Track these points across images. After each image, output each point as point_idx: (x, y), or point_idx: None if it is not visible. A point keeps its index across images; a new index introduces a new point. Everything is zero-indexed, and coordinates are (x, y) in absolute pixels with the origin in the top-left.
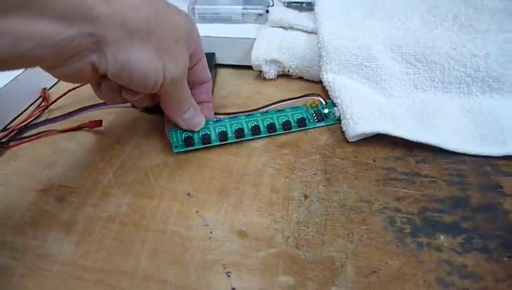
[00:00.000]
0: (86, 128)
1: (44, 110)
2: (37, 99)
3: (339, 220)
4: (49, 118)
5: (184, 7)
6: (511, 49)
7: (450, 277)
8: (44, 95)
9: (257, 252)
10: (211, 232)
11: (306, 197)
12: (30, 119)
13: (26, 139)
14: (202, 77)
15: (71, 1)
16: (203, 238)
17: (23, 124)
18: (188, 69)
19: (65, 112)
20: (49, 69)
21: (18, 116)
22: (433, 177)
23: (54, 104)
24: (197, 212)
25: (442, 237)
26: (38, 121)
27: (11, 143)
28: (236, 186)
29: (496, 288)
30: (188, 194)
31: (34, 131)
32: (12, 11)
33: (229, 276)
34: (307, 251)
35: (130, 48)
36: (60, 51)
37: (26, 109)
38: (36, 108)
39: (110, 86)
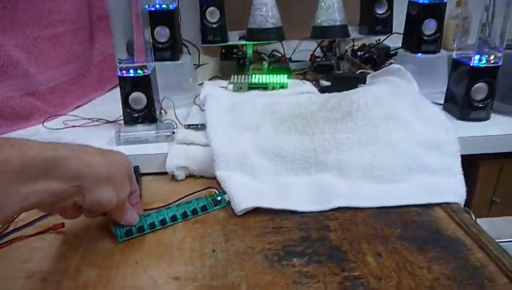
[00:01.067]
0: (51, 231)
1: (10, 223)
2: None
3: (235, 261)
4: (17, 227)
5: (112, 133)
6: (327, 145)
7: (300, 279)
8: None
9: (187, 287)
10: (156, 281)
11: (214, 251)
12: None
13: (2, 245)
14: (133, 189)
15: (69, 169)
16: (151, 285)
17: None
18: None
19: (28, 221)
20: (44, 209)
21: None
22: (290, 228)
23: (17, 218)
24: (144, 271)
25: (295, 259)
26: (8, 231)
27: None
28: (167, 252)
29: (324, 280)
30: (136, 262)
31: (6, 238)
32: (39, 178)
33: None
34: (217, 281)
35: (99, 190)
36: (60, 197)
37: None
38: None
39: (72, 211)
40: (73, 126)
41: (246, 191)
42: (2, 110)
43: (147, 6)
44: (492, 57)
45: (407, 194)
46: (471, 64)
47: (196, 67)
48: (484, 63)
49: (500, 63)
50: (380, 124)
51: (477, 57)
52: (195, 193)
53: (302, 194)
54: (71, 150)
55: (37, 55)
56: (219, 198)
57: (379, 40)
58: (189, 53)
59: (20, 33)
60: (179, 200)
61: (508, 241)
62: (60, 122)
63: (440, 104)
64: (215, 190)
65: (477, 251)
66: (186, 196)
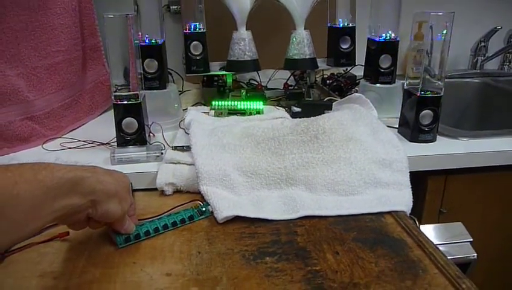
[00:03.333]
0: (57, 238)
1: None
2: None
3: (217, 260)
4: None
5: (105, 154)
6: (296, 163)
7: (271, 273)
8: None
9: (177, 281)
10: (151, 276)
11: (199, 252)
12: None
13: (16, 251)
14: (131, 202)
15: (87, 186)
16: (147, 280)
17: None
18: None
19: None
20: (63, 221)
21: None
22: (264, 233)
23: None
24: (141, 269)
25: (267, 258)
26: None
27: (6, 254)
28: (160, 254)
29: (291, 273)
30: (134, 262)
31: (18, 245)
32: (65, 195)
33: None
34: (203, 275)
35: (108, 203)
36: (78, 210)
37: None
38: None
39: (82, 222)
40: (70, 148)
41: (226, 203)
42: (4, 133)
43: (137, 41)
44: (435, 88)
45: (363, 204)
46: (418, 94)
47: (180, 94)
48: (429, 93)
49: (441, 94)
50: (341, 145)
51: (422, 88)
52: (182, 205)
53: (274, 205)
54: (86, 170)
55: (36, 83)
56: (203, 209)
57: (346, 69)
58: (173, 81)
59: (21, 63)
60: (168, 211)
61: (447, 243)
62: (57, 144)
63: (395, 128)
64: (200, 202)
65: (415, 249)
66: (174, 207)
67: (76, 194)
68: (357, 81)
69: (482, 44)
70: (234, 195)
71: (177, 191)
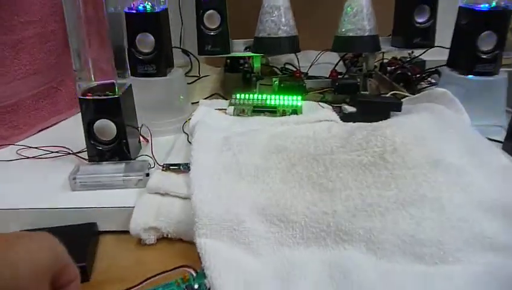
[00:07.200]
0: None
1: None
2: None
3: None
4: None
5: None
6: (353, 205)
7: None
8: None
9: None
10: None
11: None
12: None
13: None
14: (71, 277)
15: None
16: None
17: None
18: None
19: None
20: None
21: None
22: None
23: None
24: None
25: None
26: None
27: None
28: None
29: None
30: None
31: None
32: None
33: None
34: None
35: None
36: None
37: None
38: None
39: None
40: (28, 157)
41: (233, 281)
42: None
43: (126, 9)
44: None
45: (464, 281)
46: None
47: (194, 81)
48: None
49: None
50: (424, 174)
51: None
52: (166, 272)
53: (314, 279)
54: None
55: None
56: (196, 285)
57: (411, 52)
58: (191, 64)
59: None
60: (140, 284)
61: None
62: (13, 152)
63: (498, 142)
64: (192, 271)
65: None
66: (152, 276)
67: None
68: (432, 70)
69: None
70: (249, 255)
71: (165, 238)
